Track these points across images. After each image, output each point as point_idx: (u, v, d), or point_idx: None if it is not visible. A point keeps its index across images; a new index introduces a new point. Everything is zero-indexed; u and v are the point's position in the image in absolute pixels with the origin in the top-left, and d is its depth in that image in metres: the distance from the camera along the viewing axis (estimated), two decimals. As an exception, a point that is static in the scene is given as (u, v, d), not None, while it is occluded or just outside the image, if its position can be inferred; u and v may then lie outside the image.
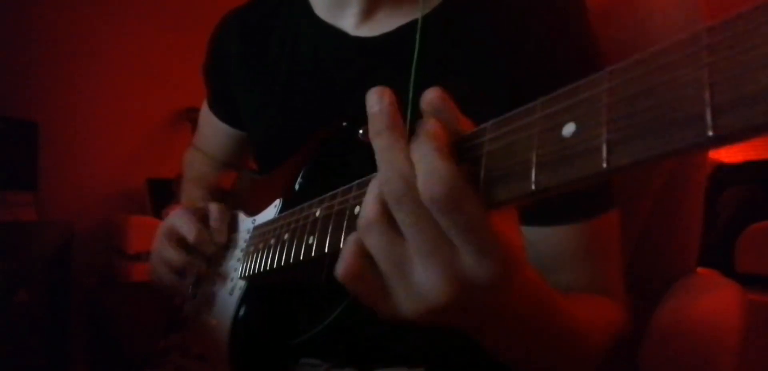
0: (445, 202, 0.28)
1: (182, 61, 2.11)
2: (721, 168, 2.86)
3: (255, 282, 0.60)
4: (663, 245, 0.81)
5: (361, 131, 0.52)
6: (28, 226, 2.00)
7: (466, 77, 0.56)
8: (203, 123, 0.89)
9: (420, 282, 0.31)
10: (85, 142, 2.69)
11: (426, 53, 0.57)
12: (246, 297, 0.60)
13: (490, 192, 0.28)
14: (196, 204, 0.68)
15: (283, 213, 0.54)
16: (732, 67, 0.19)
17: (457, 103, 0.31)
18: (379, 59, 0.61)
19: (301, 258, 0.45)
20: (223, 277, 0.65)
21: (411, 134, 0.30)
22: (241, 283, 0.61)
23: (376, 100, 0.31)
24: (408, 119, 0.42)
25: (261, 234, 0.58)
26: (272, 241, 0.53)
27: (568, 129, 0.25)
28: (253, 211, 0.66)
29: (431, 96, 0.31)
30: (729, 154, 3.05)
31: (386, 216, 0.31)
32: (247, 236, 0.63)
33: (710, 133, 0.19)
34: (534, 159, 0.26)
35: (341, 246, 0.38)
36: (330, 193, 0.43)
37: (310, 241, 0.43)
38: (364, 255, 0.32)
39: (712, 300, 0.70)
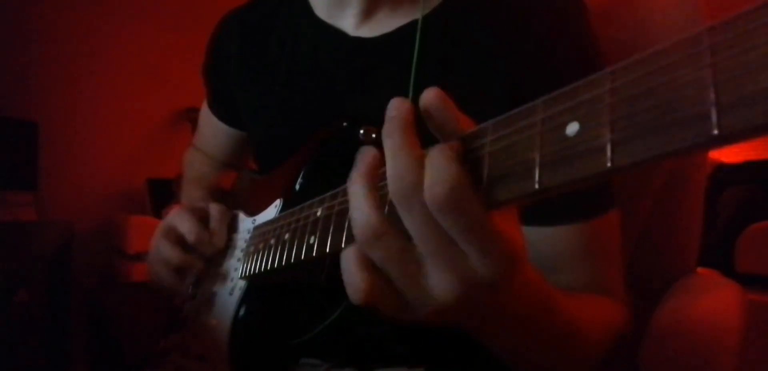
0: (446, 203, 0.28)
1: (182, 61, 2.11)
2: (721, 168, 2.86)
3: (255, 282, 0.60)
4: (663, 245, 0.81)
5: (361, 131, 0.52)
6: (28, 226, 2.00)
7: (466, 77, 0.56)
8: (203, 123, 0.89)
9: (431, 283, 0.30)
10: (85, 142, 2.69)
11: (426, 53, 0.57)
12: (246, 297, 0.60)
13: (492, 192, 0.28)
14: (196, 205, 0.68)
15: (283, 214, 0.54)
16: (733, 67, 0.19)
17: (457, 103, 0.31)
18: (379, 59, 0.61)
19: (302, 258, 0.45)
20: (223, 277, 0.64)
21: None
22: (241, 283, 0.61)
23: (396, 106, 0.31)
24: None
25: (261, 234, 0.58)
26: (272, 241, 0.53)
27: (572, 128, 0.25)
28: (253, 211, 0.66)
29: (431, 96, 0.30)
30: (729, 154, 3.06)
31: (391, 223, 0.31)
32: (248, 236, 0.63)
33: (715, 132, 0.20)
34: (537, 159, 0.26)
35: (343, 246, 0.38)
36: (331, 193, 0.43)
37: (312, 241, 0.43)
38: (371, 268, 0.32)
39: (712, 300, 0.70)
